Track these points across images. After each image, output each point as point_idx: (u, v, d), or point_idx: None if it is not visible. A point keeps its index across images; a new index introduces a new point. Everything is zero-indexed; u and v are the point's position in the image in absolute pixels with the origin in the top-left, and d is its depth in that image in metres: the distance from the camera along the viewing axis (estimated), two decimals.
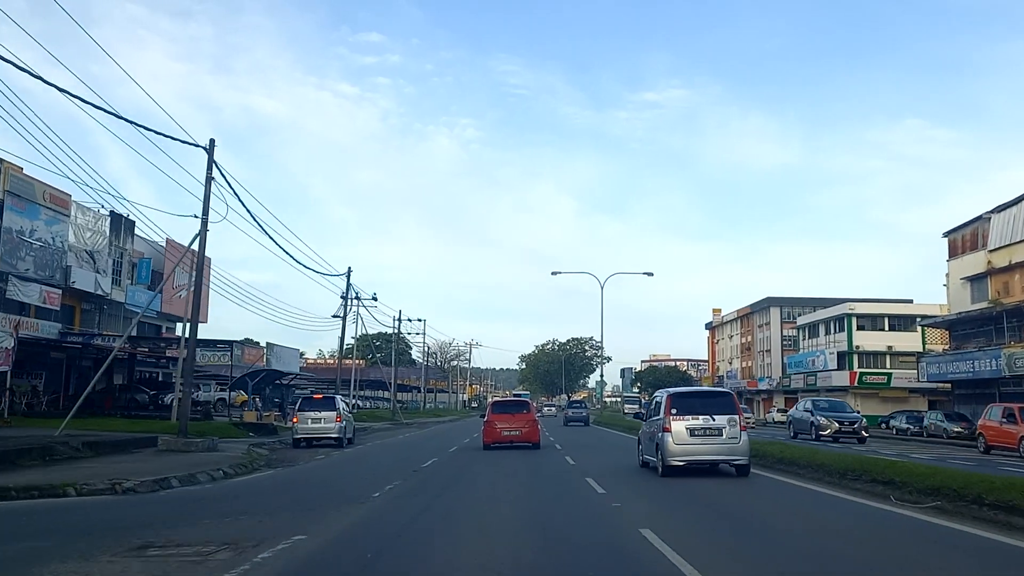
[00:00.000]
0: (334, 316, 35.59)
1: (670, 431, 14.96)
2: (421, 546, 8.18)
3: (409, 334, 67.33)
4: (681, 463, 14.87)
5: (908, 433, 45.21)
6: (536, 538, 8.65)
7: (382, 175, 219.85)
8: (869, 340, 62.91)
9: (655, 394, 20.03)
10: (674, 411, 15.20)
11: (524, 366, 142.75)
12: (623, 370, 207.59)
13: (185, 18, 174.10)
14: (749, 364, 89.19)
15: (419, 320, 67.62)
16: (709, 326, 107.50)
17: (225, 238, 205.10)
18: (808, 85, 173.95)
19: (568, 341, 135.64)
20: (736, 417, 15.18)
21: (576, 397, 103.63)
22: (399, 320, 54.60)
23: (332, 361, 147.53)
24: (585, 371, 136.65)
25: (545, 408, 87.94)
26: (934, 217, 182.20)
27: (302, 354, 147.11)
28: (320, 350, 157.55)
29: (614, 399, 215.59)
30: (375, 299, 48.08)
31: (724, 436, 14.92)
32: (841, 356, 63.29)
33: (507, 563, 7.15)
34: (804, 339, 73.67)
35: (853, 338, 63.05)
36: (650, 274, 49.24)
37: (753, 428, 39.32)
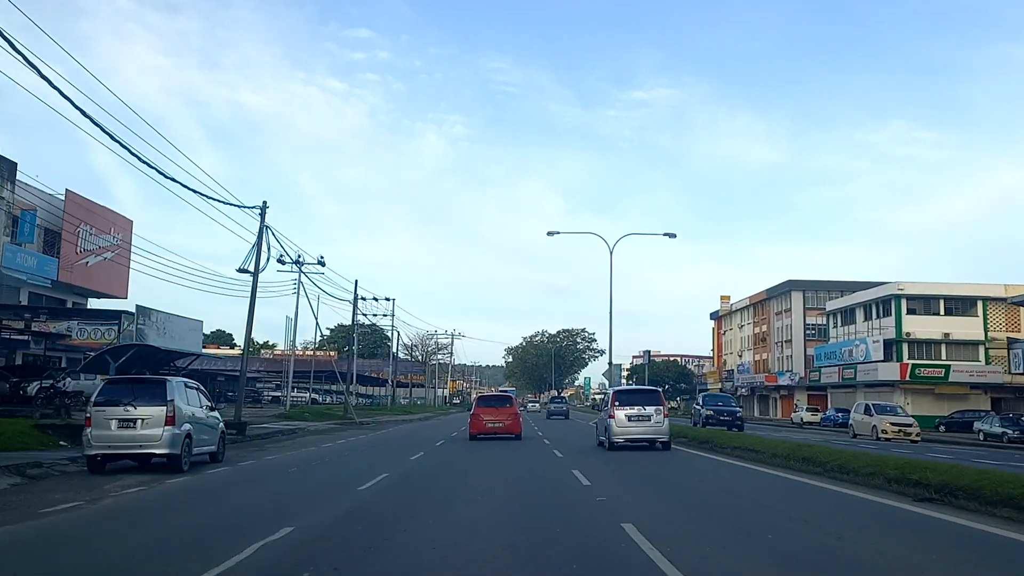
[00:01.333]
0: (240, 271, 24.84)
1: (614, 418, 20.88)
2: None
3: (377, 315, 56.58)
4: (622, 440, 20.88)
5: (1004, 439, 35.04)
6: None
7: (370, 172, 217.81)
8: (921, 326, 52.94)
9: (606, 391, 29.90)
10: (617, 403, 21.27)
11: (510, 359, 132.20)
12: (615, 366, 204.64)
13: (173, 12, 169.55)
14: (764, 357, 79.20)
15: (387, 300, 56.94)
16: (715, 315, 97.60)
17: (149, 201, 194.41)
18: (795, 85, 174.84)
19: (558, 333, 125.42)
20: (661, 408, 21.25)
21: (557, 394, 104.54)
22: (356, 295, 43.71)
23: (303, 352, 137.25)
24: (577, 365, 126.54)
25: (529, 404, 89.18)
26: (919, 217, 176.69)
27: (260, 346, 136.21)
28: (304, 342, 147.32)
29: (602, 396, 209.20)
30: (322, 263, 37.49)
31: (652, 422, 20.81)
32: (888, 345, 53.30)
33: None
34: (835, 327, 63.68)
35: (903, 324, 53.04)
36: (672, 235, 39.07)
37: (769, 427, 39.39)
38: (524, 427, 27.74)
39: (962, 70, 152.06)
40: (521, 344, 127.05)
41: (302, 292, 37.15)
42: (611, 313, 43.65)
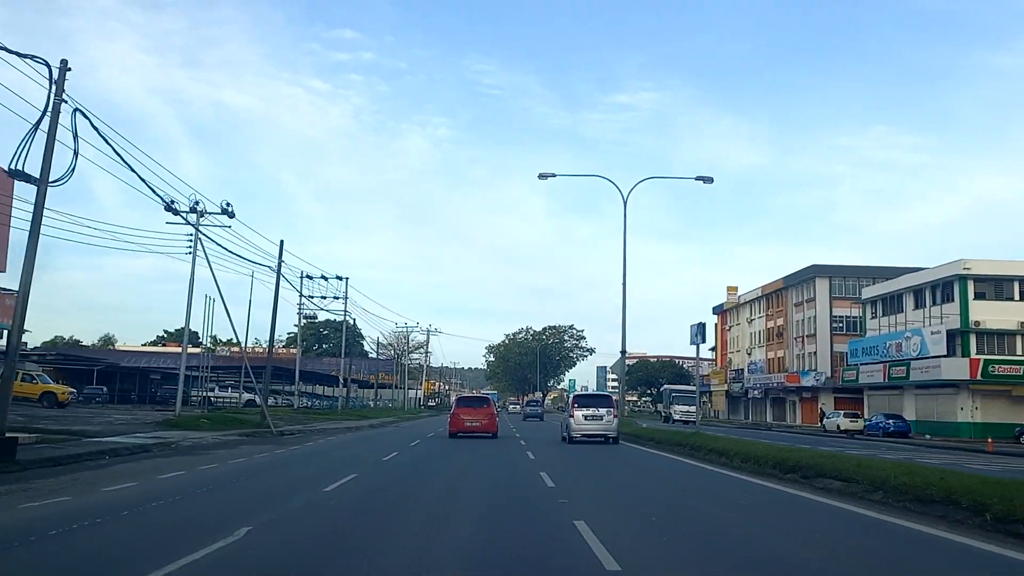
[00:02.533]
0: (12, 173, 14.32)
1: (573, 417, 25.20)
2: None
3: (327, 298, 45.90)
4: (579, 436, 24.85)
5: None
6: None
7: (354, 172, 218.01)
8: (992, 313, 43.26)
9: (568, 395, 39.69)
10: (576, 405, 25.77)
11: (492, 359, 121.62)
12: (599, 368, 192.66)
13: (157, 10, 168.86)
14: (779, 354, 69.47)
15: (338, 278, 46.36)
16: (719, 309, 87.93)
17: None
18: (778, 89, 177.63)
19: (544, 330, 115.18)
20: (612, 409, 25.61)
21: (541, 396, 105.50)
22: (281, 259, 32.80)
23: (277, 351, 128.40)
24: (564, 365, 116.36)
25: (510, 407, 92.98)
26: (899, 221, 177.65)
27: (225, 342, 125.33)
28: (257, 339, 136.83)
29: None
30: (229, 213, 27.00)
31: (604, 421, 24.90)
32: (951, 337, 43.57)
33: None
34: (874, 317, 53.97)
35: (969, 311, 43.35)
36: (707, 179, 29.46)
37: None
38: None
39: (942, 76, 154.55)
40: (504, 342, 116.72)
41: (201, 254, 26.67)
42: (624, 281, 33.38)
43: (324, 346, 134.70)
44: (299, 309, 46.28)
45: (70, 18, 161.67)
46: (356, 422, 40.71)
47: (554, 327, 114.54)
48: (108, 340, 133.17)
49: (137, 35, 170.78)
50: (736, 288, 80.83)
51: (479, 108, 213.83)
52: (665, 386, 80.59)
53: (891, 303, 51.70)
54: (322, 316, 73.93)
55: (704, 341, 26.53)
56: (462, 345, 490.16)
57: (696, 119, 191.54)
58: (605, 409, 25.18)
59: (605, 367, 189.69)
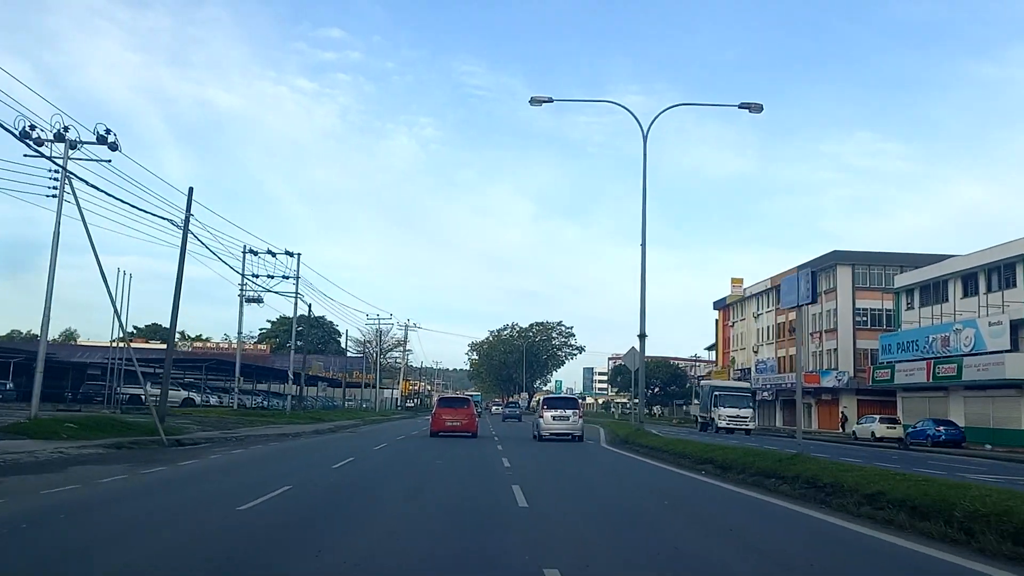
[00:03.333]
0: None
1: (543, 417, 27.81)
2: None
3: (274, 277, 38.39)
4: (547, 434, 27.30)
5: None
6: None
7: (339, 173, 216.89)
8: None
9: (540, 398, 41.54)
10: (545, 407, 28.64)
11: (475, 357, 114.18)
12: (586, 369, 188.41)
13: (143, 8, 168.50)
14: (792, 352, 62.59)
15: (288, 254, 38.91)
16: (720, 304, 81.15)
17: None
18: (763, 95, 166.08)
19: (531, 327, 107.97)
20: (577, 411, 28.20)
21: (527, 397, 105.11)
22: (189, 212, 25.06)
23: (245, 346, 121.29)
24: (552, 364, 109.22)
25: (494, 408, 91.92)
26: (882, 228, 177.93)
27: (194, 338, 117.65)
28: (226, 334, 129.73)
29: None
30: (110, 143, 19.60)
31: (570, 421, 27.28)
32: (1015, 328, 36.75)
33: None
34: (910, 308, 47.24)
35: None
36: (756, 107, 22.57)
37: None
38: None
39: (925, 84, 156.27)
40: (488, 339, 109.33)
41: (71, 201, 19.19)
42: (644, 240, 26.33)
43: (299, 343, 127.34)
44: (241, 290, 38.83)
45: (55, 15, 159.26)
46: (304, 426, 33.30)
47: (541, 323, 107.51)
48: (70, 335, 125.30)
49: (123, 33, 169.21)
50: (741, 280, 74.01)
51: (466, 109, 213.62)
52: (704, 382, 64.90)
53: (933, 291, 44.93)
54: (294, 307, 66.39)
55: (813, 300, 19.49)
56: (446, 346, 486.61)
57: (683, 124, 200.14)
58: (571, 411, 28.01)
59: (592, 368, 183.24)
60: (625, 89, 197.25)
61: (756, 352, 70.71)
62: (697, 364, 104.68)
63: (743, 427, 43.02)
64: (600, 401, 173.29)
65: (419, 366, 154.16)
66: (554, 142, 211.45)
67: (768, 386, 63.05)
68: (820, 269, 58.31)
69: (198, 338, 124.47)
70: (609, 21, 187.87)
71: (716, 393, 47.78)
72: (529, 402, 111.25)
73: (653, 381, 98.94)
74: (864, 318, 55.05)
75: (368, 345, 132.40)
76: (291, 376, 39.94)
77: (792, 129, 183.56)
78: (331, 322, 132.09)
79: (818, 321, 58.78)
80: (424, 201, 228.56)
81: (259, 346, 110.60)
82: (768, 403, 65.81)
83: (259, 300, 39.28)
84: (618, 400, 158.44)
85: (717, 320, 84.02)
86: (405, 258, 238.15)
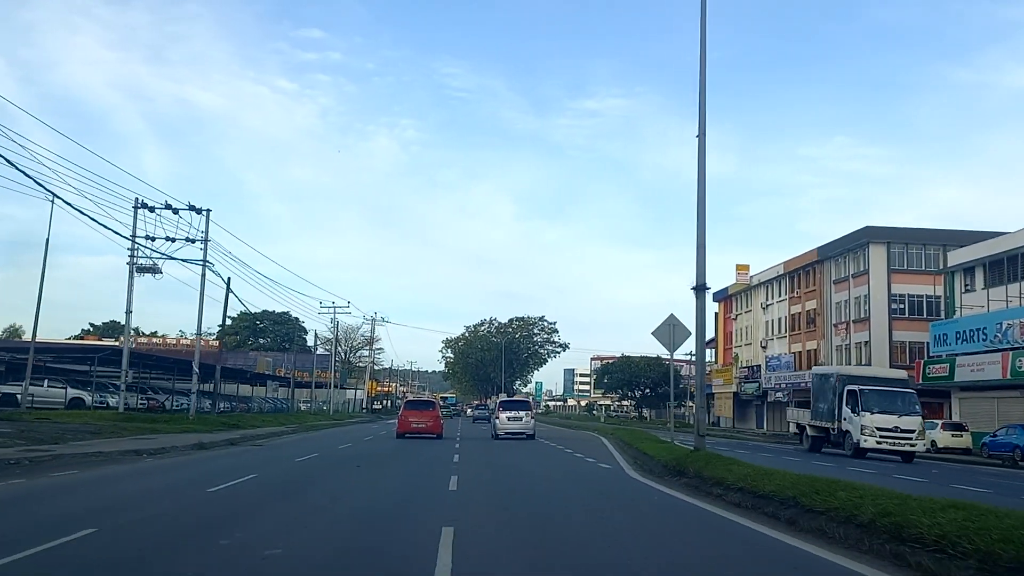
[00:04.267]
0: None
1: (499, 418, 31.36)
2: None
3: (176, 240, 29.08)
4: (503, 434, 30.45)
5: None
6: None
7: (320, 173, 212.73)
8: None
9: (498, 401, 44.35)
10: (502, 409, 32.26)
11: (450, 356, 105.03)
12: (567, 371, 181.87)
13: (122, 5, 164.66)
14: (812, 346, 54.37)
15: (195, 210, 29.50)
16: (721, 296, 72.81)
17: None
18: (743, 98, 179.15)
19: (511, 322, 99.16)
20: (530, 412, 32.93)
21: (482, 402, 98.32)
22: None
23: (199, 343, 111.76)
24: (534, 363, 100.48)
25: (469, 410, 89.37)
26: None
27: (149, 333, 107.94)
28: (181, 330, 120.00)
29: (557, 402, 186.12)
30: None
31: (523, 422, 30.84)
32: None
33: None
34: (968, 291, 38.99)
35: None
36: None
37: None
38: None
39: (903, 88, 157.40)
40: (464, 335, 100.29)
41: None
42: (703, 108, 17.48)
43: (261, 340, 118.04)
44: (130, 258, 29.59)
45: (31, 10, 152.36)
46: (203, 435, 24.24)
47: (521, 318, 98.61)
48: (14, 331, 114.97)
49: (101, 29, 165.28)
50: (747, 268, 65.69)
51: (448, 111, 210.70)
52: (820, 369, 36.93)
53: (999, 269, 36.70)
54: (201, 280, 57.52)
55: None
56: (423, 346, 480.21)
57: (664, 127, 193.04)
58: (524, 412, 32.02)
59: (574, 370, 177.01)
60: (607, 91, 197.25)
61: (765, 347, 62.42)
62: (693, 363, 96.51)
63: (905, 447, 26.88)
64: (583, 404, 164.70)
65: (391, 366, 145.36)
66: (536, 143, 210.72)
67: (783, 385, 54.68)
68: (847, 250, 50.06)
69: (153, 334, 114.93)
70: (591, 23, 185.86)
71: (855, 388, 28.62)
72: None
73: (643, 381, 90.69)
74: (901, 305, 46.82)
75: (339, 343, 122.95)
76: (196, 371, 30.74)
77: (772, 132, 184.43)
78: (296, 318, 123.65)
79: (843, 310, 50.49)
80: (405, 201, 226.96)
81: (210, 342, 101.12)
82: (780, 405, 57.53)
83: (155, 270, 30.05)
84: (602, 403, 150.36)
85: (717, 313, 75.69)
86: (386, 258, 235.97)
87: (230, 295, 36.56)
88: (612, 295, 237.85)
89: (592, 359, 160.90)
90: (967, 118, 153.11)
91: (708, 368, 77.84)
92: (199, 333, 32.54)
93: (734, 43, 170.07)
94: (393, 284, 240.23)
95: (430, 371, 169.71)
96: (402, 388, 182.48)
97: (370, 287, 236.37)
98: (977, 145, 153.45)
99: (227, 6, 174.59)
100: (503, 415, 31.33)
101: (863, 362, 46.75)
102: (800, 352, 55.83)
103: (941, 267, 42.56)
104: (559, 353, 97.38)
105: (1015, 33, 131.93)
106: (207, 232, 30.69)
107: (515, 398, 46.79)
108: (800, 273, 56.63)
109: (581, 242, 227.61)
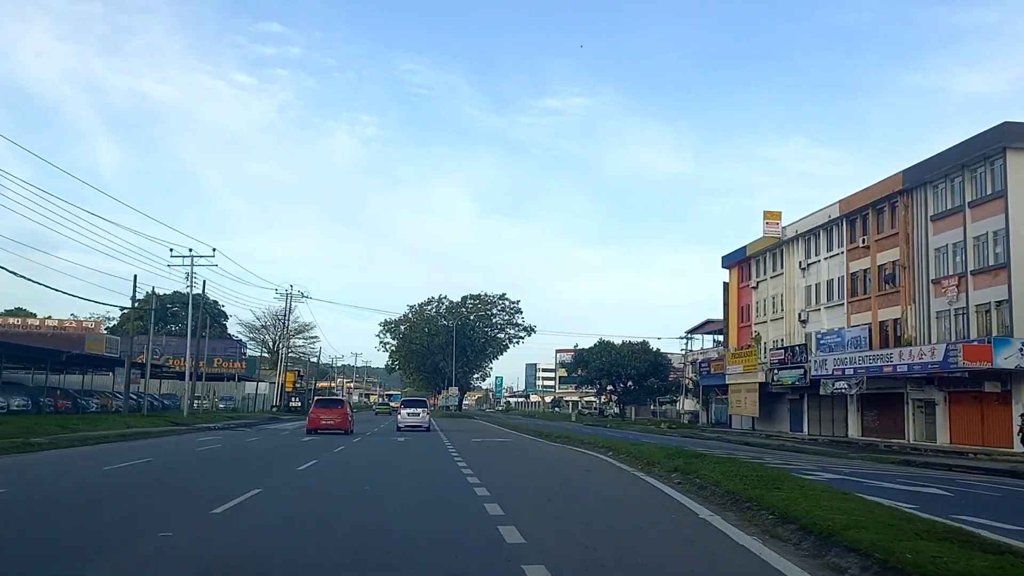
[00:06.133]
0: None
1: (401, 414, 38.17)
2: None
3: None
4: (403, 426, 36.23)
5: None
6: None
7: (278, 168, 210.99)
8: None
9: (402, 399, 55.56)
10: (403, 405, 40.52)
11: (392, 342, 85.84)
12: (528, 365, 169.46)
13: None
14: (895, 313, 37.70)
15: None
16: (736, 258, 56.33)
17: None
18: (702, 98, 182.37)
19: (464, 300, 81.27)
20: (426, 408, 40.11)
21: (458, 394, 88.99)
22: None
23: (74, 324, 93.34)
24: (493, 350, 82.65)
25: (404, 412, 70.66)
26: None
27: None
28: (74, 314, 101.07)
29: (518, 398, 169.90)
30: None
31: (420, 416, 37.16)
32: None
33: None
34: None
35: None
36: None
37: None
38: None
39: (856, 90, 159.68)
40: (408, 317, 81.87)
41: None
42: None
43: (172, 327, 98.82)
44: None
45: None
46: None
47: (477, 296, 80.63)
48: None
49: (53, 20, 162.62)
50: (779, 215, 48.83)
51: (408, 108, 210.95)
52: None
53: None
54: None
55: None
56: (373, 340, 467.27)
57: (624, 126, 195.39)
58: (421, 408, 38.95)
59: (536, 364, 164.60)
60: (568, 90, 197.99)
61: (805, 321, 45.83)
62: (684, 353, 79.47)
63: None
64: (548, 400, 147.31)
65: (332, 361, 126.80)
66: (497, 141, 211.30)
67: (848, 372, 37.92)
68: (961, 166, 33.41)
69: (17, 311, 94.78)
70: (552, 21, 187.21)
71: None
72: (460, 399, 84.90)
73: (627, 372, 73.74)
74: None
75: (267, 331, 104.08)
76: None
77: (729, 132, 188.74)
78: (215, 301, 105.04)
79: (950, 258, 33.91)
80: (365, 198, 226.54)
81: (83, 324, 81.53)
82: (838, 400, 40.98)
83: None
84: (569, 398, 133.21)
85: (726, 283, 59.05)
86: (344, 254, 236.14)
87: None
88: (572, 293, 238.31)
89: (558, 351, 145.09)
90: (919, 120, 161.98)
91: (718, 353, 60.96)
92: None
93: (693, 44, 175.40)
94: (350, 281, 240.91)
95: (384, 367, 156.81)
96: (351, 385, 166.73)
97: (327, 284, 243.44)
98: (930, 147, 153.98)
99: None
100: (404, 411, 38.18)
101: (1005, 330, 30.14)
102: (870, 324, 39.20)
103: None
104: (522, 338, 79.71)
105: (965, 38, 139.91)
106: None
107: (414, 397, 53.75)
108: (868, 213, 39.98)
109: (541, 240, 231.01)
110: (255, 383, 64.16)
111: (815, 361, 41.27)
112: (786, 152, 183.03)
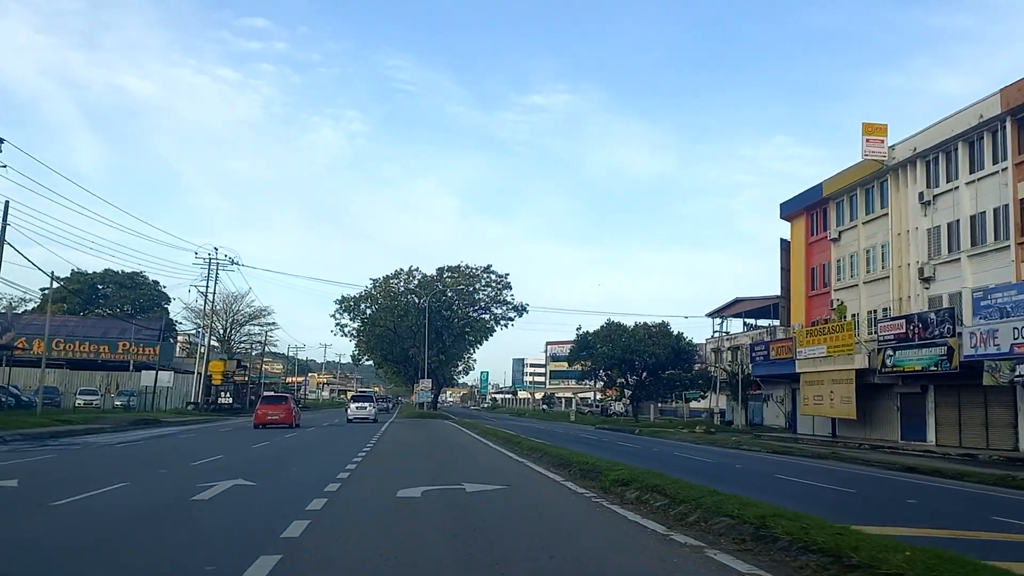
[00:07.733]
0: None
1: (350, 408, 44.07)
2: None
3: None
4: (352, 418, 41.44)
5: None
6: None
7: (260, 165, 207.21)
8: None
9: (351, 393, 71.77)
10: (352, 400, 48.58)
11: (355, 325, 69.86)
12: (516, 360, 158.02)
13: None
14: None
15: None
16: (798, 205, 41.70)
17: None
18: (684, 98, 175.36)
19: (440, 272, 65.98)
20: (374, 403, 46.25)
21: (368, 390, 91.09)
22: None
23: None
24: (476, 335, 67.33)
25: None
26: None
27: None
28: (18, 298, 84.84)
29: (505, 395, 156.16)
30: None
31: (368, 410, 42.49)
32: None
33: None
34: None
35: None
36: None
37: None
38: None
39: (835, 91, 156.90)
40: (368, 292, 66.34)
41: None
42: None
43: (99, 311, 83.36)
44: None
45: None
46: None
47: (456, 268, 65.27)
48: None
49: (31, 13, 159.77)
50: (885, 129, 34.05)
51: (392, 104, 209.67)
52: None
53: None
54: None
55: None
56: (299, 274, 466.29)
57: (607, 125, 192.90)
58: (369, 403, 44.17)
59: (523, 359, 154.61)
60: (551, 88, 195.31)
61: (928, 278, 31.26)
62: (710, 341, 64.58)
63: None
64: (538, 396, 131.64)
65: (288, 352, 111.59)
66: (480, 139, 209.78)
67: None
68: None
69: None
70: (536, 20, 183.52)
71: None
72: (436, 395, 69.76)
73: (646, 361, 59.04)
74: None
75: (216, 316, 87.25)
76: None
77: (710, 132, 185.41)
78: (155, 281, 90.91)
79: None
80: (348, 195, 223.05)
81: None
82: (998, 394, 26.37)
83: None
84: (561, 394, 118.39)
85: (785, 240, 44.38)
86: (326, 252, 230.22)
87: None
88: (555, 291, 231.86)
89: (548, 344, 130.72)
90: (899, 120, 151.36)
91: (786, 332, 45.92)
92: None
93: (675, 43, 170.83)
94: (331, 277, 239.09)
95: (365, 362, 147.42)
96: (321, 380, 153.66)
97: (306, 281, 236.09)
98: None
99: None
100: (353, 405, 44.22)
101: None
102: None
103: None
104: (512, 319, 64.45)
105: (942, 40, 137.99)
106: None
107: (363, 391, 62.93)
108: None
109: (524, 238, 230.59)
110: (168, 373, 48.95)
111: (973, 334, 26.51)
112: (768, 151, 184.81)
